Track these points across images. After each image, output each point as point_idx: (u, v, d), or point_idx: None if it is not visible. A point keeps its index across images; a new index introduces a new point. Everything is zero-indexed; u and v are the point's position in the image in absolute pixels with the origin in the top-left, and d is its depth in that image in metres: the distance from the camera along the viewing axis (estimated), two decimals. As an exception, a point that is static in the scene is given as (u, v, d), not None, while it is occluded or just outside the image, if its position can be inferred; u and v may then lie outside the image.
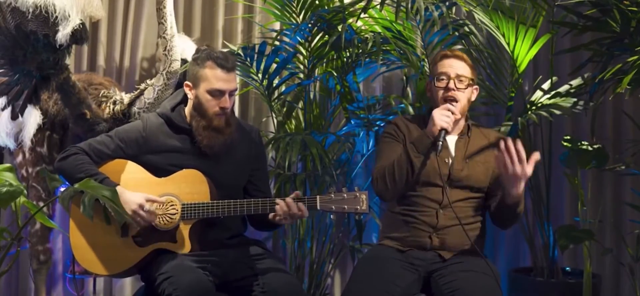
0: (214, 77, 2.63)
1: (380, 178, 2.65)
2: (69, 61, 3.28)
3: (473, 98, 2.78)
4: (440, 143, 2.56)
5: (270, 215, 2.59)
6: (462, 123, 2.76)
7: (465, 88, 2.68)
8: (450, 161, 2.69)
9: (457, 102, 2.66)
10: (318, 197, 2.56)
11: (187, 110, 2.73)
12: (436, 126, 2.57)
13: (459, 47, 3.71)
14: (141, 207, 2.54)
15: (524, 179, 2.50)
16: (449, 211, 2.64)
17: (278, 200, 2.57)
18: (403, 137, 2.74)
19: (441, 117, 2.58)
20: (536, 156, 2.52)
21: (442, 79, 2.68)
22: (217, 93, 2.63)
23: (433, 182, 2.67)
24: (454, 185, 2.67)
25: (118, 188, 2.52)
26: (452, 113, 2.60)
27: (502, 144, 2.48)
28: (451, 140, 2.74)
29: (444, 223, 2.65)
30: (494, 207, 2.70)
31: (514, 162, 2.46)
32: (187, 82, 2.71)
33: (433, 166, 2.64)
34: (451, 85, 2.66)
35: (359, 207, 2.55)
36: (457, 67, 2.69)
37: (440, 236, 2.65)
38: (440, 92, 2.68)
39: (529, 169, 2.48)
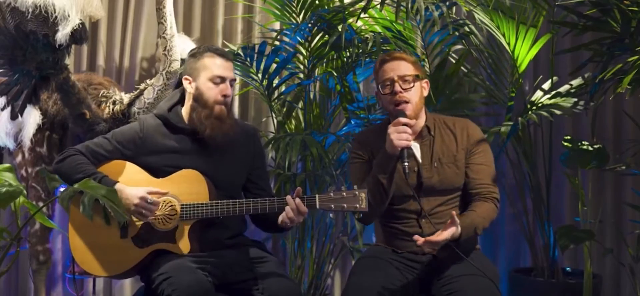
0: (214, 64, 2.66)
1: None
2: (69, 61, 3.28)
3: (425, 93, 2.67)
4: (406, 164, 2.46)
5: (279, 220, 2.57)
6: (420, 124, 2.65)
7: (411, 87, 2.58)
8: (417, 169, 2.62)
9: (407, 102, 2.56)
10: (317, 196, 2.54)
11: (185, 109, 2.73)
12: (396, 147, 2.47)
13: (459, 46, 3.72)
14: (143, 199, 2.53)
15: (438, 242, 2.42)
16: (432, 218, 2.58)
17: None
18: (368, 153, 2.67)
19: (398, 136, 2.46)
20: (453, 213, 2.43)
21: (387, 85, 2.59)
22: (218, 80, 2.65)
23: (407, 194, 2.60)
24: (428, 193, 2.60)
25: (117, 186, 2.52)
26: (409, 125, 2.49)
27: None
28: (415, 146, 2.61)
29: (428, 231, 2.56)
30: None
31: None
32: (186, 76, 2.71)
33: (403, 180, 2.54)
34: (397, 88, 2.56)
35: (358, 205, 2.53)
36: (398, 69, 2.59)
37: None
38: (388, 98, 2.59)
39: (445, 234, 2.40)
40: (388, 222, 2.69)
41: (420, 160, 2.62)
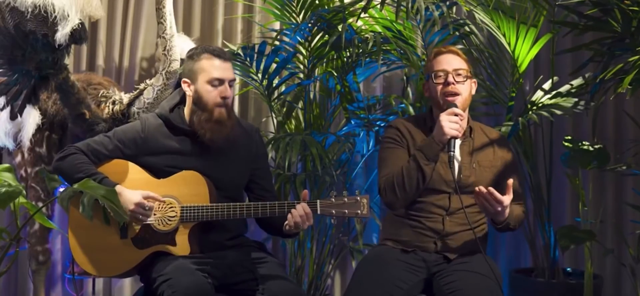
0: (212, 66, 2.62)
1: (389, 188, 2.60)
2: (68, 61, 3.27)
3: (473, 92, 2.73)
4: (453, 153, 2.51)
5: (285, 227, 2.55)
6: (464, 124, 2.69)
7: (464, 82, 2.63)
8: (457, 167, 2.64)
9: (458, 95, 2.61)
10: (318, 201, 2.53)
11: (186, 109, 2.72)
12: (446, 135, 2.50)
13: (460, 46, 3.71)
14: (139, 204, 2.53)
15: (504, 208, 2.48)
16: (455, 217, 2.61)
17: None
18: (406, 141, 2.69)
19: (449, 124, 2.51)
20: (510, 182, 2.50)
21: (440, 75, 2.63)
22: (216, 82, 2.63)
23: (439, 188, 2.63)
24: (462, 191, 2.60)
25: (117, 188, 2.51)
26: (460, 116, 2.54)
27: (476, 191, 2.47)
28: (456, 144, 2.65)
29: (449, 230, 2.62)
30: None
31: (490, 203, 2.46)
32: (184, 79, 2.69)
33: (440, 174, 2.60)
34: (450, 79, 2.61)
35: (359, 211, 2.52)
36: (453, 62, 2.65)
37: (445, 242, 2.62)
38: (440, 88, 2.63)
39: (507, 199, 2.47)
40: (410, 214, 2.67)
41: (459, 158, 2.65)
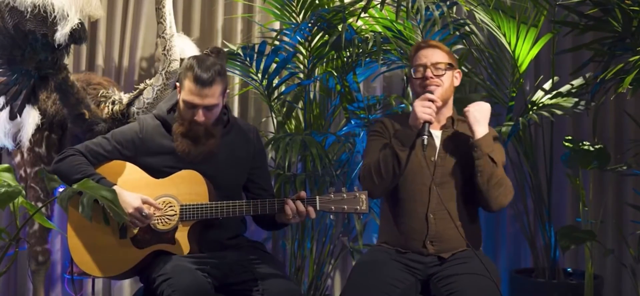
0: (188, 89, 2.58)
1: (367, 175, 2.63)
2: (68, 61, 3.26)
3: (456, 83, 2.74)
4: (425, 137, 2.52)
5: (286, 216, 2.57)
6: (446, 113, 2.72)
7: (443, 74, 2.64)
8: (435, 158, 2.66)
9: (438, 86, 2.62)
10: (317, 197, 2.54)
11: None
12: (419, 119, 2.53)
13: (459, 46, 3.70)
14: (138, 210, 2.53)
15: (477, 111, 2.58)
16: (439, 214, 2.61)
17: (286, 200, 2.56)
18: (389, 134, 2.72)
19: (422, 109, 2.54)
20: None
21: (419, 70, 2.67)
22: (190, 106, 2.60)
23: (419, 182, 2.64)
24: (442, 181, 2.63)
25: (116, 189, 2.51)
26: (433, 101, 2.56)
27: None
28: (437, 135, 2.70)
29: (435, 230, 2.61)
30: (477, 188, 2.63)
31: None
32: (177, 83, 2.70)
33: (419, 165, 2.62)
34: (428, 73, 2.63)
35: (358, 207, 2.53)
36: (431, 56, 2.66)
37: (436, 244, 2.61)
38: (419, 82, 2.66)
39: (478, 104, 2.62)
40: (395, 216, 2.68)
41: (438, 149, 2.66)
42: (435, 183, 2.61)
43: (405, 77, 3.89)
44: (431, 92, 2.59)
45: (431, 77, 2.63)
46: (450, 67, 2.67)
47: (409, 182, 2.64)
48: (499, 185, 2.59)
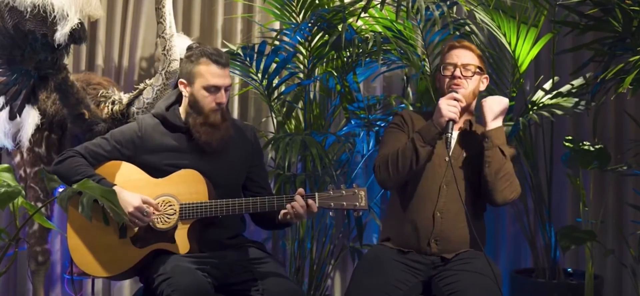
0: (209, 73, 2.63)
1: (382, 165, 2.64)
2: (68, 61, 3.26)
3: (482, 88, 2.77)
4: (449, 135, 2.55)
5: (280, 215, 2.57)
6: (465, 116, 2.74)
7: (471, 77, 2.68)
8: (448, 159, 2.66)
9: (463, 88, 2.65)
10: (317, 193, 2.55)
11: (182, 108, 2.73)
12: (444, 117, 2.55)
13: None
14: (138, 208, 2.53)
15: (493, 103, 2.60)
16: (446, 213, 2.61)
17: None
18: (408, 129, 2.74)
19: (448, 107, 2.56)
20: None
21: (448, 68, 2.69)
22: (213, 89, 2.63)
23: (431, 180, 2.65)
24: (450, 182, 2.64)
25: (116, 189, 2.51)
26: (458, 101, 2.58)
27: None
28: (453, 136, 2.69)
29: (441, 229, 2.62)
30: (482, 177, 2.64)
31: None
32: (181, 80, 2.70)
33: (433, 163, 2.64)
34: (457, 73, 2.66)
35: (358, 204, 2.53)
36: (463, 56, 2.69)
37: (440, 244, 2.62)
38: (446, 81, 2.68)
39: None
40: (403, 212, 2.69)
41: (452, 150, 2.67)
42: (445, 183, 2.63)
43: (405, 77, 3.88)
44: (457, 92, 2.62)
45: (459, 77, 2.66)
46: (479, 70, 2.70)
47: (422, 178, 2.66)
48: (506, 179, 2.62)
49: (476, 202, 2.70)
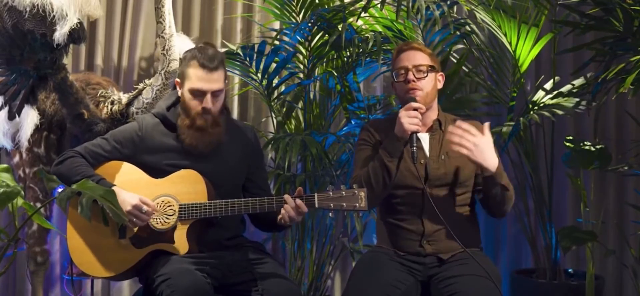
0: (195, 76, 2.60)
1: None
2: (67, 61, 3.25)
3: (440, 86, 2.70)
4: (415, 148, 2.50)
5: (279, 218, 2.56)
6: (431, 116, 2.68)
7: (425, 77, 2.61)
8: (425, 161, 2.62)
9: (420, 90, 2.59)
10: (316, 194, 2.53)
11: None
12: (406, 131, 2.50)
13: (460, 46, 3.70)
14: (136, 207, 2.52)
15: (485, 149, 2.48)
16: (434, 214, 2.57)
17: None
18: (377, 141, 2.68)
19: (408, 119, 2.50)
20: (486, 125, 2.53)
21: (401, 73, 2.63)
22: (197, 93, 2.60)
23: (411, 185, 2.61)
24: (434, 185, 2.60)
25: (115, 189, 2.50)
26: (418, 109, 2.53)
27: (451, 130, 2.51)
28: (424, 138, 2.66)
29: (431, 229, 2.59)
30: (482, 197, 2.64)
31: (464, 140, 2.46)
32: (176, 79, 2.71)
33: (410, 170, 2.59)
34: (410, 76, 2.60)
35: (357, 204, 2.51)
36: (413, 58, 2.63)
37: (432, 244, 2.60)
38: (401, 85, 2.63)
39: (483, 138, 2.49)
40: (390, 220, 2.67)
41: (427, 154, 2.64)
42: (428, 187, 2.59)
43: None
44: (414, 99, 2.56)
45: (413, 80, 2.59)
46: (432, 69, 2.64)
47: (401, 188, 2.61)
48: (507, 201, 2.61)
49: (464, 200, 2.66)
